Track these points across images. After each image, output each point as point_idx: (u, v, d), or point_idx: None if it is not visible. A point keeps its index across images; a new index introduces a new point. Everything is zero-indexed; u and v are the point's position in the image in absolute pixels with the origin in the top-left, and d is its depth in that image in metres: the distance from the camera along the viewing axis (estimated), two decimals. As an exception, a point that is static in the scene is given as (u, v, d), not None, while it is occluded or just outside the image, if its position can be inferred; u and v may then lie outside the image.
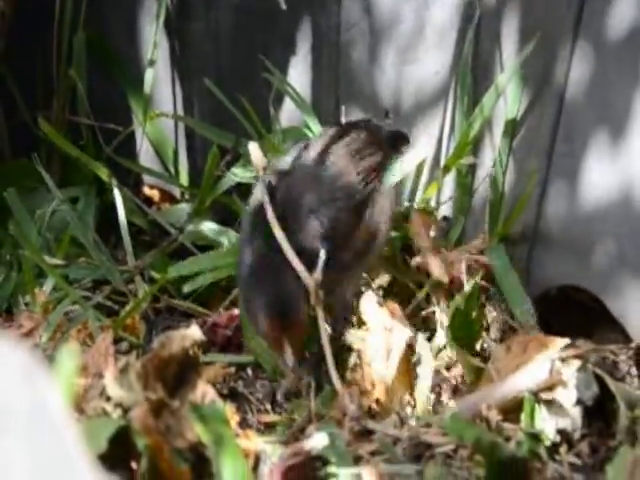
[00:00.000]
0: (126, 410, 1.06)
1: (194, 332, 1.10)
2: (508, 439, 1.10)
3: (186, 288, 1.45)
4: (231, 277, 1.45)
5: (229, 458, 1.00)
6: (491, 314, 1.40)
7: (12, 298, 1.43)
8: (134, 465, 1.01)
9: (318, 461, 1.05)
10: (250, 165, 1.55)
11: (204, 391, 1.09)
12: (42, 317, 1.31)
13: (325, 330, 1.19)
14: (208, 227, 1.58)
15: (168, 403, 1.05)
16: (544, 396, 1.14)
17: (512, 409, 1.17)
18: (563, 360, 1.20)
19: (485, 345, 1.36)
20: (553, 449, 1.11)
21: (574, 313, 1.41)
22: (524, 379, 1.18)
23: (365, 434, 1.15)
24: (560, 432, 1.12)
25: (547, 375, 1.14)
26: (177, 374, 1.09)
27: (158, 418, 1.04)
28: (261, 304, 1.17)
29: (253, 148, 1.35)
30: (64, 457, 0.54)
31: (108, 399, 1.10)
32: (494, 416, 1.12)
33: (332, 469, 1.04)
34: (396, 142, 1.48)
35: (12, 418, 0.56)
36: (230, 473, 0.99)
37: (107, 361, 1.16)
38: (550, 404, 1.14)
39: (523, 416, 1.12)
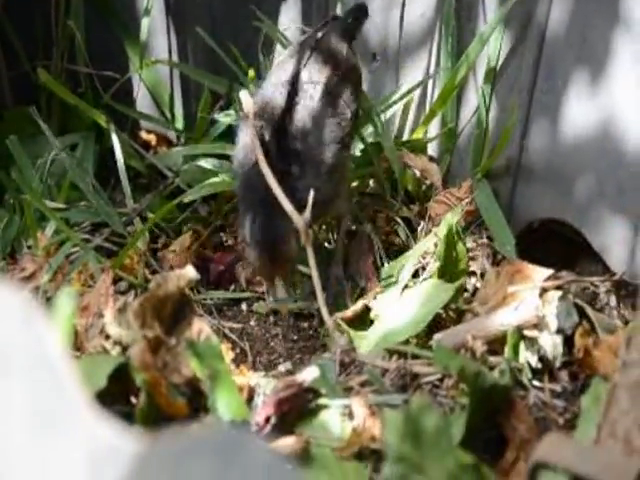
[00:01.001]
0: (125, 348, 1.06)
1: (189, 271, 1.09)
2: (492, 368, 1.10)
3: (186, 199, 1.45)
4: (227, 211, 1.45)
5: (224, 392, 1.00)
6: (476, 248, 1.40)
7: (15, 242, 1.43)
8: (133, 400, 1.02)
9: (310, 393, 1.05)
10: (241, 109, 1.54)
11: (200, 328, 1.09)
12: (44, 260, 1.31)
13: (315, 267, 1.18)
14: (205, 162, 1.57)
15: (165, 340, 1.05)
16: (527, 327, 1.14)
17: (496, 341, 1.17)
18: (545, 290, 1.20)
19: (471, 280, 1.36)
20: (535, 377, 1.11)
21: (556, 245, 1.41)
22: (508, 314, 1.18)
23: (355, 366, 1.15)
24: (541, 360, 1.12)
25: (530, 312, 1.14)
26: (173, 312, 1.08)
27: (155, 355, 1.04)
28: (252, 241, 1.17)
29: (244, 96, 1.34)
30: (62, 396, 0.54)
31: (108, 337, 1.10)
32: (479, 347, 1.12)
33: (323, 400, 1.04)
34: (356, 16, 1.50)
35: (12, 359, 0.56)
36: (225, 406, 0.99)
37: (107, 301, 1.16)
38: (532, 333, 1.14)
39: (506, 348, 1.12)
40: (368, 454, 0.97)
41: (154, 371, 1.02)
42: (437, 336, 1.19)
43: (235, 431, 0.59)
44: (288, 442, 0.97)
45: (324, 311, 1.17)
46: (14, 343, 0.56)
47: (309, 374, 1.04)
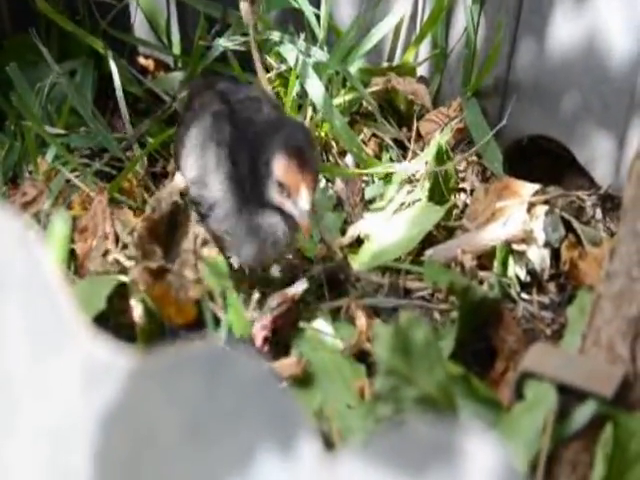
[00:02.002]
0: (129, 266, 1.06)
1: (178, 182, 1.09)
2: (481, 282, 1.10)
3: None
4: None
5: (229, 310, 1.00)
6: (465, 165, 1.39)
7: (17, 167, 1.42)
8: (135, 317, 1.01)
9: (301, 304, 1.05)
10: (237, 33, 1.52)
11: (196, 233, 1.09)
12: (45, 184, 1.29)
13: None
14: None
15: (168, 267, 1.04)
16: (515, 242, 1.14)
17: (486, 255, 1.16)
18: (533, 205, 1.19)
19: (460, 196, 1.35)
20: (523, 290, 1.11)
21: (544, 161, 1.40)
22: (497, 230, 1.17)
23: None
24: (529, 273, 1.12)
25: (518, 227, 1.14)
26: (170, 227, 1.08)
27: (160, 280, 1.03)
28: (276, 145, 1.06)
29: (244, 6, 1.32)
30: (57, 316, 0.54)
31: (107, 254, 1.09)
32: (468, 261, 1.12)
33: (312, 307, 1.04)
34: None
35: (8, 281, 0.55)
36: (232, 321, 1.00)
37: (104, 221, 1.15)
38: (520, 247, 1.13)
39: (495, 262, 1.12)
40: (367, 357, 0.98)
41: (159, 287, 1.01)
42: (429, 252, 1.19)
43: (225, 347, 0.58)
44: (287, 363, 0.97)
45: (325, 234, 1.15)
46: (10, 265, 0.55)
47: (299, 287, 1.04)
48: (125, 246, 1.09)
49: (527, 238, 1.14)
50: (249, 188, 1.08)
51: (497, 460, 0.42)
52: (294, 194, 1.04)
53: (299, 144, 1.06)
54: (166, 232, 1.07)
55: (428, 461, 0.43)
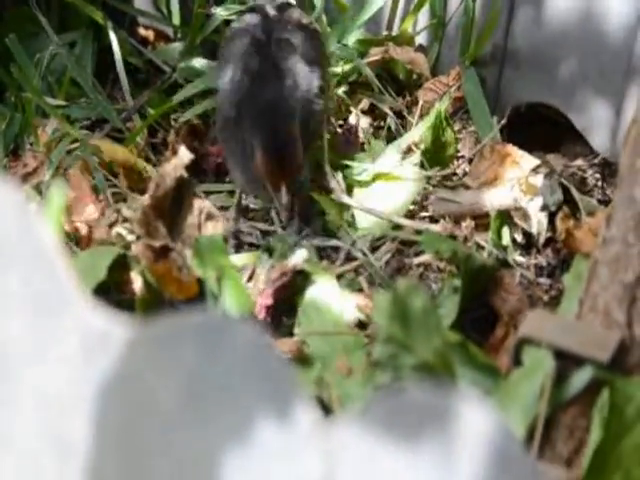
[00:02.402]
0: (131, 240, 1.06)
1: (183, 155, 1.08)
2: (479, 246, 1.10)
3: (181, 118, 1.42)
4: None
5: (230, 287, 1.00)
6: (465, 133, 1.39)
7: (18, 139, 1.41)
8: (136, 288, 1.01)
9: (301, 274, 1.05)
10: (236, 2, 1.51)
11: (201, 207, 1.08)
12: (45, 156, 1.29)
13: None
14: (199, 63, 1.55)
15: (171, 246, 1.04)
16: (513, 207, 1.14)
17: (484, 217, 1.16)
18: (534, 170, 1.19)
19: (460, 164, 1.35)
20: (520, 254, 1.11)
21: (542, 128, 1.39)
22: (496, 196, 1.17)
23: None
24: (527, 237, 1.12)
25: (516, 197, 1.14)
26: (174, 202, 1.07)
27: (163, 258, 1.03)
28: (257, 141, 1.13)
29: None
30: (56, 286, 0.53)
31: (111, 226, 1.09)
32: (468, 227, 1.12)
33: (313, 278, 1.04)
34: None
35: (7, 252, 0.55)
36: (232, 301, 0.99)
37: (106, 193, 1.14)
38: (518, 212, 1.13)
39: (492, 228, 1.11)
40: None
41: (161, 265, 1.01)
42: (431, 198, 1.19)
43: (222, 316, 0.58)
44: (286, 342, 0.98)
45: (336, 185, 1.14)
46: (9, 236, 0.55)
47: (299, 257, 1.04)
48: (125, 220, 1.09)
49: (524, 203, 1.14)
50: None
51: (493, 425, 0.42)
52: (275, 190, 1.10)
53: (280, 144, 1.10)
54: (170, 207, 1.07)
55: (424, 427, 0.43)
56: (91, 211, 1.15)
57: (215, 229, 1.07)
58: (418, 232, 1.17)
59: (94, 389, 0.49)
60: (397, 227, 1.20)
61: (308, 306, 1.01)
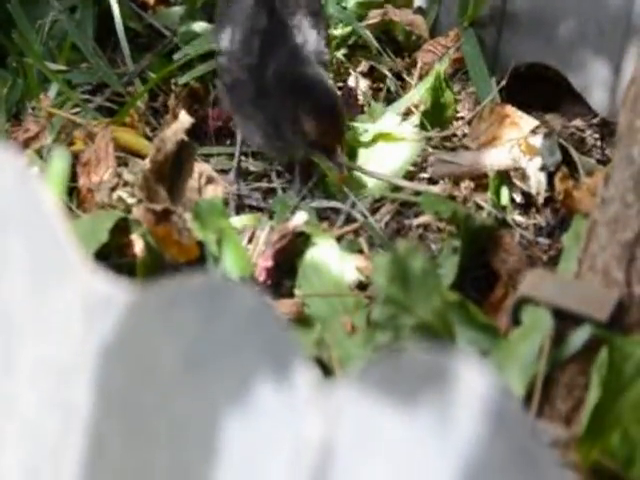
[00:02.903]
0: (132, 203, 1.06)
1: (184, 120, 1.08)
2: (478, 207, 1.10)
3: (181, 80, 1.42)
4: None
5: (230, 250, 1.00)
6: (464, 94, 1.38)
7: (19, 104, 1.41)
8: (137, 251, 1.01)
9: (301, 236, 1.05)
10: None
11: (201, 170, 1.08)
12: (47, 121, 1.29)
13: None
14: (200, 26, 1.54)
15: (172, 209, 1.03)
16: (512, 168, 1.13)
17: (483, 177, 1.16)
18: (533, 131, 1.19)
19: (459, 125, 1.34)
20: (520, 215, 1.11)
21: (542, 89, 1.38)
22: (495, 156, 1.17)
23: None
24: (526, 197, 1.12)
25: (515, 157, 1.13)
26: (175, 164, 1.07)
27: (164, 221, 1.03)
28: (304, 107, 1.12)
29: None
30: (57, 250, 0.53)
31: (114, 189, 1.09)
32: (467, 187, 1.12)
33: (314, 240, 1.03)
34: None
35: (8, 217, 0.55)
36: (232, 264, 0.99)
37: (107, 157, 1.14)
38: (517, 173, 1.13)
39: (491, 188, 1.11)
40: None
41: (162, 228, 1.01)
42: (430, 159, 1.19)
43: (223, 278, 0.58)
44: (286, 305, 0.98)
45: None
46: (10, 201, 0.55)
47: (299, 219, 1.04)
48: (126, 184, 1.08)
49: (523, 163, 1.13)
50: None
51: (491, 385, 0.42)
52: (330, 151, 1.11)
53: (331, 107, 1.12)
54: (171, 171, 1.07)
55: (422, 387, 0.42)
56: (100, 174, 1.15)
57: (215, 192, 1.06)
58: (417, 193, 1.17)
59: (95, 353, 0.49)
60: (397, 189, 1.20)
61: (308, 268, 1.01)
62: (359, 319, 0.93)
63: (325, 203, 1.19)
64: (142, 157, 1.23)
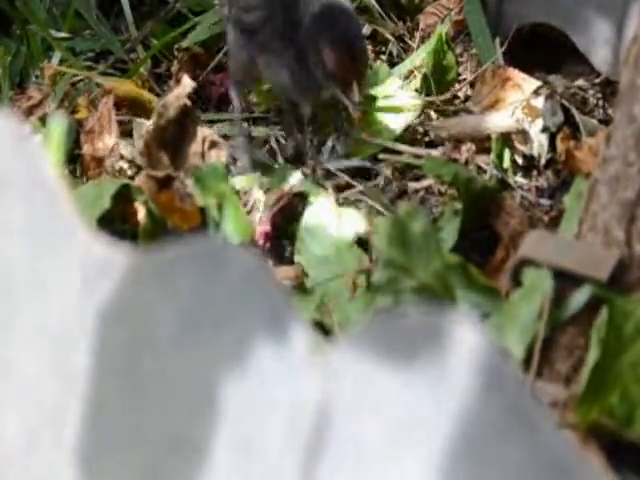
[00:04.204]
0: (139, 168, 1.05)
1: (186, 84, 1.07)
2: (480, 169, 1.10)
3: (185, 43, 1.41)
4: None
5: (230, 214, 1.00)
6: (466, 56, 1.37)
7: (23, 72, 1.41)
8: (140, 218, 1.01)
9: (299, 197, 1.04)
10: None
11: (204, 135, 1.08)
12: (50, 88, 1.29)
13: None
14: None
15: (174, 176, 1.03)
16: (514, 130, 1.13)
17: (485, 140, 1.16)
18: (535, 92, 1.19)
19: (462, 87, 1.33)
20: (521, 176, 1.10)
21: (544, 50, 1.37)
22: (498, 120, 1.17)
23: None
24: (527, 158, 1.11)
25: (518, 119, 1.13)
26: (177, 130, 1.07)
27: (166, 188, 1.02)
28: (324, 39, 1.11)
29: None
30: (57, 216, 0.53)
31: (122, 157, 1.09)
32: (468, 150, 1.12)
33: (310, 199, 1.03)
34: None
35: (8, 183, 0.55)
36: (232, 228, 0.99)
37: (110, 123, 1.14)
38: (519, 135, 1.12)
39: (493, 150, 1.11)
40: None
41: (164, 195, 1.01)
42: (432, 123, 1.19)
43: (221, 242, 0.58)
44: (286, 270, 0.97)
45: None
46: (9, 167, 0.55)
47: (295, 179, 1.03)
48: (122, 157, 1.08)
49: (525, 125, 1.13)
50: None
51: (487, 344, 0.42)
52: (347, 88, 1.09)
53: (352, 39, 1.12)
54: (174, 137, 1.06)
55: (418, 348, 0.42)
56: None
57: (218, 157, 1.06)
58: (418, 157, 1.16)
59: (94, 316, 0.50)
60: (397, 152, 1.20)
61: (305, 231, 1.00)
62: (360, 279, 0.93)
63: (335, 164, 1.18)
64: (147, 113, 1.23)
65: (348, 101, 1.09)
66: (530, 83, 1.23)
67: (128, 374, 0.49)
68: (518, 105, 1.16)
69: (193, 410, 0.46)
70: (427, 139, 1.23)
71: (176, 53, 1.43)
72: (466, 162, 1.11)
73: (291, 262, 1.00)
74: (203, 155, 1.06)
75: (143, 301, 0.49)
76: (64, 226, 0.53)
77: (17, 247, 0.54)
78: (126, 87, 1.29)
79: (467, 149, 1.13)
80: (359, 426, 0.43)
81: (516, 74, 1.26)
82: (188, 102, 1.07)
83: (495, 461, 0.41)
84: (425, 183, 1.12)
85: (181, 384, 0.47)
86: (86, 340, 0.50)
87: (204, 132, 1.07)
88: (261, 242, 1.00)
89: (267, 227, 1.00)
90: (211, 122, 1.31)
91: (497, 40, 1.35)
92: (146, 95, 1.31)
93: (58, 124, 0.74)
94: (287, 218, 1.02)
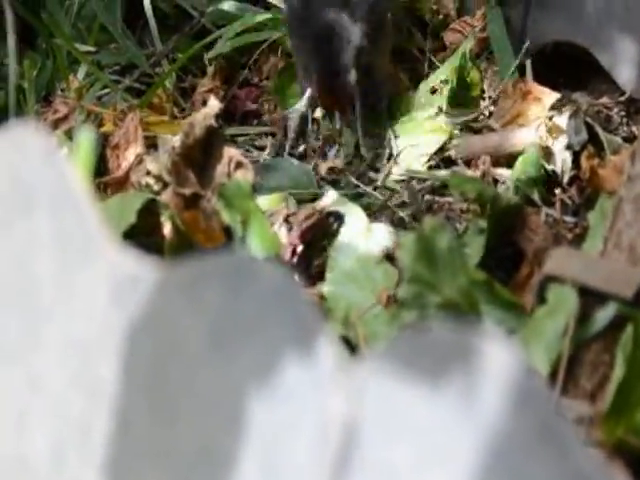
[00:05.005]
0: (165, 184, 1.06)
1: (213, 105, 1.07)
2: (498, 182, 1.10)
3: (210, 54, 1.42)
4: (250, 48, 1.42)
5: (256, 231, 1.00)
6: (490, 73, 1.37)
7: (49, 85, 1.42)
8: (165, 231, 1.01)
9: (332, 217, 1.04)
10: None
11: (230, 156, 1.08)
12: (76, 102, 1.29)
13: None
14: (228, 5, 1.53)
15: (201, 194, 1.03)
16: (537, 146, 1.13)
17: (508, 156, 1.16)
18: (556, 108, 1.19)
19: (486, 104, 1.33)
20: (545, 193, 1.10)
21: (568, 68, 1.37)
22: (521, 134, 1.16)
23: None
24: (551, 176, 1.11)
25: (541, 134, 1.13)
26: (204, 150, 1.07)
27: (192, 206, 1.03)
28: (313, 65, 1.15)
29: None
30: (85, 230, 0.53)
31: (149, 173, 1.09)
32: (487, 162, 1.12)
33: (345, 221, 1.03)
34: None
35: (36, 197, 0.55)
36: (258, 244, 0.99)
37: (136, 138, 1.14)
38: (542, 151, 1.12)
39: (517, 166, 1.11)
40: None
41: (190, 213, 1.01)
42: (455, 142, 1.19)
43: (249, 256, 0.58)
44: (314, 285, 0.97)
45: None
46: (37, 181, 0.55)
47: (329, 198, 1.03)
48: (148, 173, 1.08)
49: (549, 142, 1.13)
50: None
51: (516, 362, 0.41)
52: (330, 114, 1.14)
53: (333, 72, 1.13)
54: (200, 157, 1.07)
55: (446, 364, 0.42)
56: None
57: (245, 177, 1.06)
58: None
59: (122, 331, 0.50)
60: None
61: (336, 248, 1.00)
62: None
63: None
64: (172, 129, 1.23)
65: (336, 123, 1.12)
66: (550, 96, 1.23)
67: (156, 388, 0.49)
68: (541, 122, 1.16)
69: (221, 424, 0.46)
70: (447, 154, 1.24)
71: (206, 62, 1.44)
72: (485, 177, 1.11)
73: (317, 278, 1.00)
74: (229, 175, 1.06)
75: (171, 315, 0.49)
76: (92, 240, 0.53)
77: (45, 260, 0.54)
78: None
79: (485, 163, 1.13)
80: (386, 444, 0.43)
81: (536, 87, 1.26)
82: (214, 123, 1.07)
83: (524, 479, 0.41)
84: (449, 199, 1.12)
85: (209, 398, 0.47)
86: (114, 354, 0.50)
87: (230, 152, 1.08)
88: (289, 257, 1.00)
89: (296, 243, 1.00)
90: (235, 136, 1.32)
91: (520, 58, 1.36)
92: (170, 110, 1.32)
93: (86, 138, 0.74)
94: (318, 235, 1.02)
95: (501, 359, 0.41)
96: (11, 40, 1.27)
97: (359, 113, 1.21)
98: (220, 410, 0.46)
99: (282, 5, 1.38)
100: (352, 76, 1.13)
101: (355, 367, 0.44)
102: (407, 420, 0.43)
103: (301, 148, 1.27)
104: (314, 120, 1.27)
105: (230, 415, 0.46)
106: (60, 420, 0.51)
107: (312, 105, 1.24)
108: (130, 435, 0.49)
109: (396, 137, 1.26)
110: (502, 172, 1.14)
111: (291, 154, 1.26)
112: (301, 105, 1.27)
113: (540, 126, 1.15)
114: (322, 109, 1.14)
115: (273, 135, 1.34)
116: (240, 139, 1.32)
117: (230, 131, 1.31)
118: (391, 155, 1.24)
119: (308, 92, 1.24)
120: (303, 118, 1.25)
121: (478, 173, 1.12)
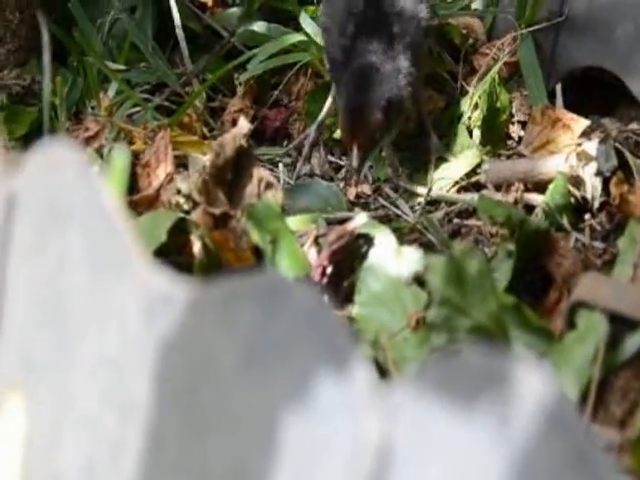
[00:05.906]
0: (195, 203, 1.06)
1: (243, 125, 1.08)
2: (532, 209, 1.10)
3: (242, 77, 1.43)
4: (280, 69, 1.43)
5: (286, 251, 1.00)
6: (520, 98, 1.37)
7: (79, 103, 1.42)
8: (195, 250, 1.01)
9: (362, 239, 1.04)
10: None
11: (260, 177, 1.08)
12: (106, 120, 1.30)
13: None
14: (259, 26, 1.54)
15: (231, 214, 1.03)
16: (567, 172, 1.13)
17: (539, 183, 1.16)
18: (586, 134, 1.19)
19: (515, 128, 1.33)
20: (575, 219, 1.10)
21: (598, 93, 1.37)
22: (551, 162, 1.17)
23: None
24: (580, 201, 1.11)
25: (570, 163, 1.13)
26: (234, 171, 1.07)
27: (222, 226, 1.03)
28: (342, 100, 1.16)
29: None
30: (118, 248, 0.54)
31: (179, 192, 1.09)
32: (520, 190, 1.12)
33: (374, 243, 1.03)
34: None
35: (69, 214, 0.55)
36: (287, 264, 0.99)
37: (166, 158, 1.15)
38: (572, 177, 1.12)
39: (548, 192, 1.11)
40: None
41: (220, 233, 1.01)
42: (485, 167, 1.19)
43: (281, 277, 0.58)
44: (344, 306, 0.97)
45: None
46: (71, 198, 0.56)
47: (359, 220, 1.03)
48: (179, 191, 1.09)
49: (579, 169, 1.13)
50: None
51: (548, 388, 0.41)
52: (350, 151, 1.12)
53: (357, 111, 1.12)
54: (230, 177, 1.07)
55: (479, 389, 0.42)
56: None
57: (274, 198, 1.06)
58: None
59: (155, 349, 0.50)
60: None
61: (366, 271, 1.00)
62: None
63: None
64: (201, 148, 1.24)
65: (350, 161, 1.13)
66: (579, 123, 1.23)
67: (188, 406, 0.49)
68: (571, 150, 1.16)
69: (253, 443, 0.46)
70: (475, 179, 1.24)
71: (237, 83, 1.45)
72: (516, 202, 1.11)
73: (345, 300, 1.00)
74: (259, 196, 1.06)
75: (203, 334, 0.49)
76: (125, 258, 0.53)
77: (77, 277, 0.54)
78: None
79: (517, 190, 1.13)
80: (419, 466, 0.43)
81: (565, 114, 1.26)
82: (245, 143, 1.08)
83: (556, 505, 0.41)
84: (477, 222, 1.12)
85: (242, 417, 0.47)
86: (146, 372, 0.50)
87: (260, 173, 1.08)
88: (318, 278, 1.00)
89: (325, 264, 1.00)
90: (264, 156, 1.32)
91: (550, 83, 1.36)
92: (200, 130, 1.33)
93: (120, 156, 0.75)
94: (347, 256, 1.02)
95: (533, 385, 0.41)
96: (46, 58, 1.27)
97: (388, 150, 1.22)
98: (253, 430, 0.46)
99: (313, 28, 1.39)
100: (380, 113, 1.13)
101: (388, 389, 0.44)
102: (440, 443, 0.43)
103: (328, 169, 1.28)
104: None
105: (263, 435, 0.46)
106: (92, 437, 0.51)
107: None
108: (162, 453, 0.49)
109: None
110: (535, 197, 1.14)
111: (322, 176, 1.27)
112: (311, 130, 1.30)
113: (570, 155, 1.15)
114: (343, 145, 1.15)
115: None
116: (268, 159, 1.33)
117: (260, 151, 1.32)
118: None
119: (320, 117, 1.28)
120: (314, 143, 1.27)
121: (510, 198, 1.12)
